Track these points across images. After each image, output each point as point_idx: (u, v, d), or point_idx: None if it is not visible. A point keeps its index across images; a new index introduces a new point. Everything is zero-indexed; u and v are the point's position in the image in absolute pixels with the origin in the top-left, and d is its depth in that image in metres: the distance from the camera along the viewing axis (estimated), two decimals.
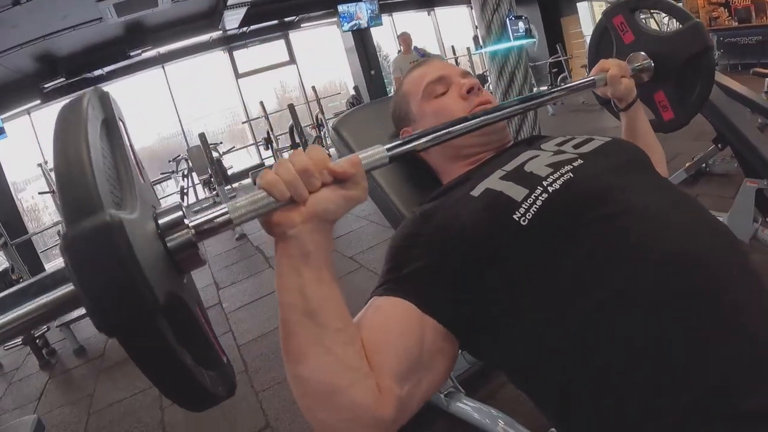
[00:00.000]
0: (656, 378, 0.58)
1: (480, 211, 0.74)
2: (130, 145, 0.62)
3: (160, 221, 0.54)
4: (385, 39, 10.81)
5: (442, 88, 1.00)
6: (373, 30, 9.70)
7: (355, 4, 9.17)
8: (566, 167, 0.75)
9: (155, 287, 0.45)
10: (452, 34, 11.25)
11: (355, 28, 9.35)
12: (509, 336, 0.70)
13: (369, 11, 9.29)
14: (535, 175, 0.75)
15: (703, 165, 3.05)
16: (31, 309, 0.50)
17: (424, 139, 0.75)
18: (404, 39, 6.50)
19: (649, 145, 1.10)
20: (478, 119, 0.81)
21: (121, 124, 0.60)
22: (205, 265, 0.58)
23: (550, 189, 0.71)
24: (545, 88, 8.36)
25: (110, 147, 0.56)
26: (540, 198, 0.70)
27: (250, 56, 9.58)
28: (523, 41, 3.13)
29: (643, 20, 1.26)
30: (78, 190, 0.44)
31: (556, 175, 0.73)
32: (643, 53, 1.18)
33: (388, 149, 0.68)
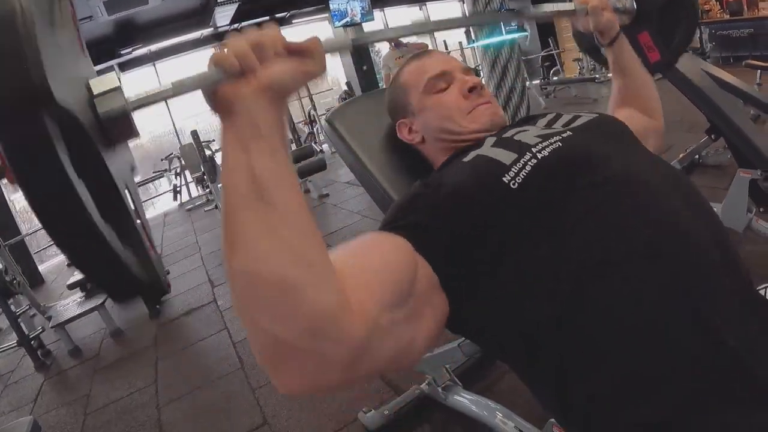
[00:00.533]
0: (652, 351, 0.59)
1: (470, 173, 0.75)
2: (75, 20, 0.57)
3: (93, 86, 0.50)
4: None
5: (444, 83, 0.99)
6: (364, 25, 9.66)
7: (346, 1, 9.13)
8: (555, 137, 0.77)
9: (54, 86, 0.38)
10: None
11: (347, 24, 9.31)
12: (499, 308, 0.69)
13: (361, 7, 9.26)
14: (524, 143, 0.77)
15: (697, 156, 3.06)
16: None
17: (390, 32, 0.74)
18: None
19: (644, 82, 1.12)
20: (451, 20, 0.81)
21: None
22: (138, 136, 0.53)
23: (539, 155, 0.72)
24: (537, 82, 8.39)
25: None
26: (529, 163, 0.71)
27: None
28: (516, 35, 3.13)
29: None
30: None
31: (545, 143, 0.75)
32: None
33: (353, 39, 0.66)
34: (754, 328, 0.61)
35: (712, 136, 2.52)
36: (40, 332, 3.50)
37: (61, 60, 0.44)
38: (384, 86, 7.57)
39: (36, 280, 6.01)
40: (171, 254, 5.21)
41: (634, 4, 1.15)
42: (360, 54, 9.74)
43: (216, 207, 5.88)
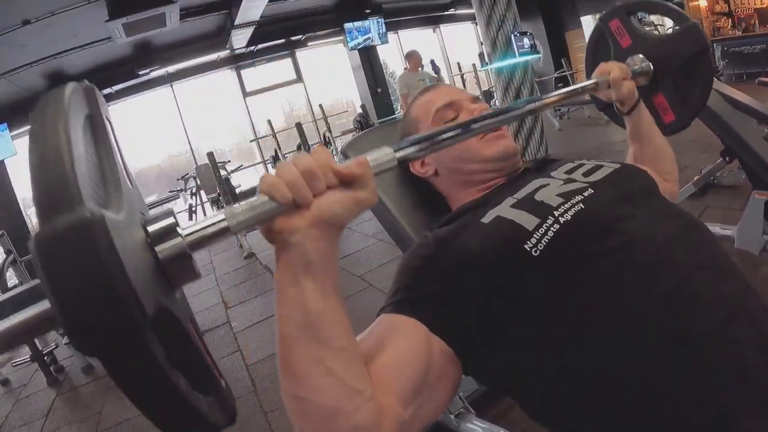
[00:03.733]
0: (659, 412, 0.59)
1: (491, 239, 0.74)
2: (117, 146, 0.55)
3: (150, 228, 0.48)
4: (391, 57, 10.92)
5: (453, 113, 0.99)
6: (379, 48, 9.81)
7: (366, 21, 9.30)
8: (577, 197, 0.76)
9: (143, 297, 0.38)
10: (458, 50, 11.35)
11: (360, 46, 9.46)
12: (516, 364, 0.70)
13: (377, 30, 9.41)
14: (546, 205, 0.75)
15: (712, 178, 3.03)
16: (2, 330, 0.44)
17: (432, 140, 0.69)
18: (412, 57, 6.54)
19: (659, 147, 1.11)
20: (487, 121, 0.78)
21: (107, 122, 0.54)
22: (200, 278, 0.52)
23: (561, 220, 0.72)
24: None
25: (94, 143, 0.49)
26: (552, 229, 0.71)
27: (257, 75, 9.71)
28: (529, 57, 3.16)
29: (640, 24, 1.25)
30: (54, 182, 0.38)
31: (567, 206, 0.74)
32: (641, 56, 1.16)
33: (395, 150, 0.63)
34: None
35: (727, 158, 2.50)
36: (54, 348, 3.52)
37: (127, 226, 0.44)
38: (401, 106, 7.66)
39: None
40: None
41: (651, 66, 1.15)
42: (375, 77, 9.85)
43: None
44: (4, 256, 3.88)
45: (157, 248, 0.47)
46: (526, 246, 0.69)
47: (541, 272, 0.68)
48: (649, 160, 1.11)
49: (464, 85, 8.96)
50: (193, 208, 8.25)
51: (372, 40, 9.54)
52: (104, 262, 0.36)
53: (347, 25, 9.26)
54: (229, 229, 0.51)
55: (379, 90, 9.91)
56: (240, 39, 8.30)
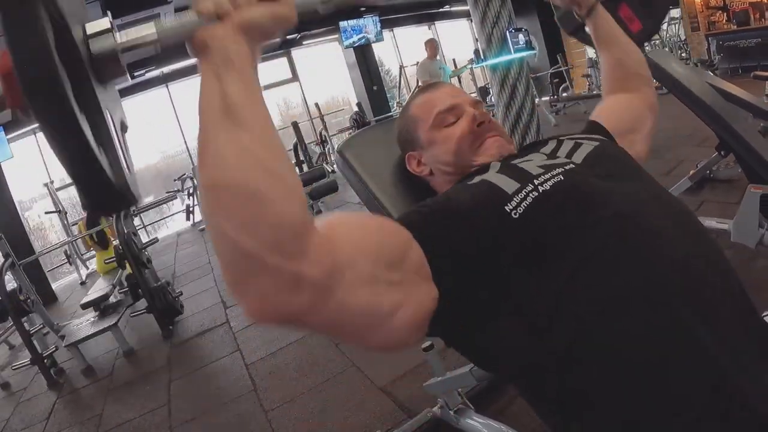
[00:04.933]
0: (654, 388, 0.60)
1: (474, 196, 0.76)
2: None
3: (87, 27, 0.56)
4: (386, 54, 10.92)
5: (453, 117, 0.99)
6: (374, 46, 9.80)
7: (361, 19, 9.29)
8: (557, 169, 0.77)
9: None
10: (453, 47, 11.34)
11: (355, 44, 9.45)
12: (503, 339, 0.69)
13: (372, 28, 9.41)
14: (527, 172, 0.77)
15: (708, 172, 3.04)
16: None
17: None
18: (431, 45, 6.55)
19: (626, 50, 1.14)
20: None
21: None
22: (126, 76, 0.59)
23: (540, 188, 0.72)
24: (546, 99, 8.42)
25: None
26: (530, 195, 0.71)
27: None
28: (524, 53, 3.16)
29: None
30: None
31: (546, 176, 0.75)
32: None
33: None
34: (756, 359, 0.63)
35: (722, 152, 2.51)
36: (54, 351, 3.53)
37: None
38: None
39: (49, 298, 6.09)
40: (184, 274, 5.25)
41: None
42: (371, 75, 9.85)
43: None
44: (2, 259, 3.87)
45: (92, 43, 0.55)
46: (506, 208, 0.71)
47: (521, 235, 0.69)
48: (619, 65, 1.13)
49: (460, 82, 8.96)
50: (191, 209, 8.26)
51: (367, 39, 9.53)
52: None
53: (342, 24, 9.24)
54: (159, 40, 0.58)
55: (375, 88, 9.90)
56: None
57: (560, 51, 10.17)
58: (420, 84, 6.69)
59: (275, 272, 0.51)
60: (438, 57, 6.61)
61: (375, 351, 0.68)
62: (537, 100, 6.58)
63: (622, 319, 0.63)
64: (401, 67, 9.61)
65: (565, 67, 9.56)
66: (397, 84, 9.85)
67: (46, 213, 7.82)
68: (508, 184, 0.74)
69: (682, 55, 9.26)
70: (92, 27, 0.56)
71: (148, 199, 8.65)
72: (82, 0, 0.67)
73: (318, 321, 0.56)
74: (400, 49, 10.72)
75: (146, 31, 0.57)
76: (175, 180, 8.29)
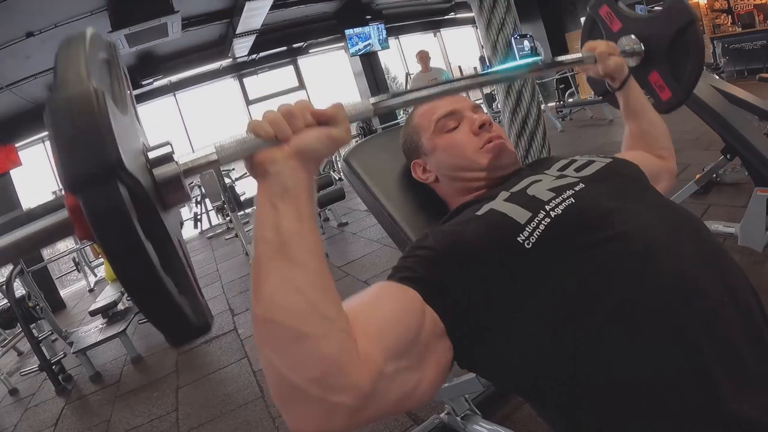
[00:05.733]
0: (654, 409, 0.61)
1: (484, 230, 0.76)
2: (130, 93, 0.63)
3: (150, 154, 0.56)
4: (392, 62, 10.97)
5: (454, 122, 1.01)
6: (380, 53, 9.84)
7: (366, 27, 9.33)
8: (568, 192, 0.78)
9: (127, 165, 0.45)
10: (459, 54, 11.37)
11: (361, 52, 9.49)
12: (509, 357, 0.71)
13: (378, 36, 9.45)
14: (538, 199, 0.77)
15: (714, 175, 3.03)
16: (24, 234, 0.52)
17: (411, 96, 0.80)
18: (422, 57, 6.55)
19: (653, 122, 1.14)
20: (467, 81, 0.87)
21: (123, 72, 0.62)
22: (190, 200, 0.59)
23: (552, 213, 0.73)
24: (552, 104, 8.41)
25: (109, 74, 0.57)
26: (543, 222, 0.72)
27: (259, 83, 9.75)
28: (529, 60, 3.17)
29: (628, 8, 1.29)
30: (71, 69, 0.46)
31: (558, 200, 0.76)
32: (632, 36, 1.20)
33: (373, 103, 0.71)
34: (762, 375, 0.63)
35: (728, 156, 2.51)
36: (62, 357, 3.55)
37: (125, 132, 0.50)
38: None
39: (57, 305, 6.13)
40: None
41: (642, 45, 1.18)
42: (377, 82, 9.88)
43: (236, 235, 5.94)
44: (12, 266, 3.90)
45: (155, 171, 0.55)
46: (518, 239, 0.71)
47: (533, 264, 0.70)
48: (645, 137, 1.14)
49: None
50: (198, 217, 8.30)
51: (373, 46, 9.57)
52: (98, 120, 0.43)
53: (348, 32, 9.29)
54: (218, 161, 0.60)
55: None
56: (242, 47, 8.35)
57: None
58: None
59: (321, 403, 0.54)
60: (435, 66, 6.59)
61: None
62: (543, 105, 6.58)
63: (626, 330, 0.64)
64: (407, 75, 9.64)
65: (571, 72, 9.55)
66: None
67: None
68: (520, 214, 0.75)
69: None
70: (154, 153, 0.57)
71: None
72: (138, 117, 0.68)
73: (356, 424, 0.58)
74: (406, 57, 10.75)
75: (207, 152, 0.60)
76: None
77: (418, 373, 0.64)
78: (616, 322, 0.64)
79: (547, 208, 0.74)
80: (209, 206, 8.15)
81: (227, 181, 6.22)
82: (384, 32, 9.55)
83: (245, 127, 0.62)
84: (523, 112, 3.20)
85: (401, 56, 10.84)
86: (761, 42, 8.08)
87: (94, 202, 0.42)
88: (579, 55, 1.09)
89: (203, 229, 8.30)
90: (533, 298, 0.69)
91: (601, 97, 1.31)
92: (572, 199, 0.76)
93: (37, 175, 7.86)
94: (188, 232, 8.48)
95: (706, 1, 9.02)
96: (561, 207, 0.74)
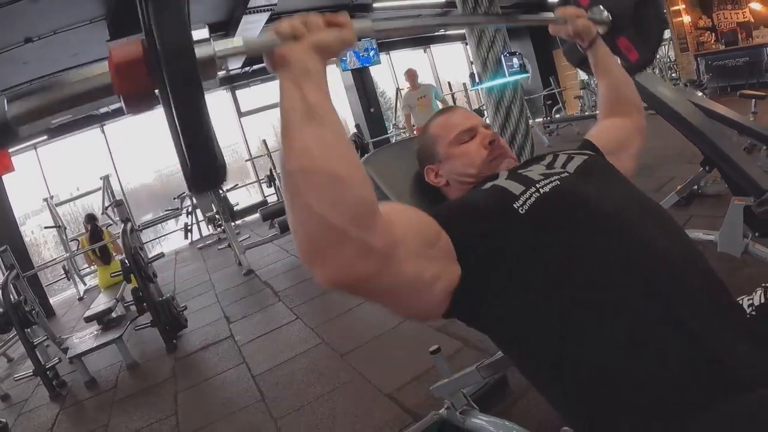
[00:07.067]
0: (638, 357, 0.73)
1: (489, 196, 0.93)
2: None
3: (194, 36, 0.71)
4: (383, 77, 11.12)
5: (468, 136, 1.15)
6: (371, 69, 9.97)
7: (358, 42, 9.42)
8: (554, 177, 0.93)
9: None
10: (448, 70, 11.57)
11: (353, 67, 9.61)
12: (508, 310, 0.83)
13: (369, 50, 9.58)
14: (530, 178, 0.93)
15: (695, 187, 3.17)
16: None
17: (409, 23, 1.02)
18: (410, 75, 6.71)
19: (619, 78, 1.30)
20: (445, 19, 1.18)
21: None
22: (216, 78, 0.71)
23: (541, 191, 0.89)
24: (540, 120, 8.59)
25: None
26: (533, 195, 0.88)
27: (252, 95, 9.84)
28: (518, 76, 3.30)
29: None
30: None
31: (546, 181, 0.91)
32: (600, 6, 1.36)
33: (372, 21, 0.87)
34: (728, 329, 0.76)
35: (707, 168, 2.64)
36: (57, 362, 3.56)
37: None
38: (403, 123, 7.91)
39: (48, 312, 6.10)
40: (185, 291, 5.30)
41: (608, 14, 1.35)
42: (368, 97, 10.01)
43: (228, 246, 5.97)
44: (7, 271, 3.92)
45: (196, 47, 0.67)
46: (514, 205, 0.87)
47: (525, 228, 0.84)
48: (615, 95, 1.30)
49: (454, 103, 9.13)
50: (189, 227, 8.31)
51: (364, 62, 9.69)
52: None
53: None
54: (246, 50, 0.72)
55: (372, 110, 10.06)
56: (235, 60, 8.41)
57: (553, 73, 10.42)
58: (404, 114, 7.06)
59: (354, 242, 0.65)
60: (424, 83, 6.78)
61: (412, 318, 0.85)
62: (531, 121, 6.74)
63: (609, 292, 0.77)
64: (398, 90, 9.79)
65: (558, 89, 9.77)
66: (393, 106, 10.01)
67: (46, 228, 7.84)
68: (516, 187, 0.91)
69: (672, 75, 9.46)
70: (196, 35, 0.69)
71: (147, 217, 8.70)
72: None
73: (377, 285, 0.71)
74: (396, 72, 10.91)
75: (237, 43, 0.72)
76: (174, 198, 8.35)
77: (433, 267, 0.78)
78: (599, 281, 0.78)
79: (537, 185, 0.90)
80: (200, 217, 8.18)
81: (219, 192, 6.26)
82: (375, 48, 9.69)
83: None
84: (511, 128, 3.32)
85: (392, 72, 11.01)
86: (743, 59, 8.32)
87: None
88: (551, 14, 1.26)
89: (193, 239, 8.31)
90: (527, 262, 0.81)
91: (581, 91, 1.45)
92: (558, 182, 0.91)
93: (28, 180, 7.86)
94: (179, 243, 8.49)
95: (690, 20, 9.25)
96: (548, 187, 0.90)
